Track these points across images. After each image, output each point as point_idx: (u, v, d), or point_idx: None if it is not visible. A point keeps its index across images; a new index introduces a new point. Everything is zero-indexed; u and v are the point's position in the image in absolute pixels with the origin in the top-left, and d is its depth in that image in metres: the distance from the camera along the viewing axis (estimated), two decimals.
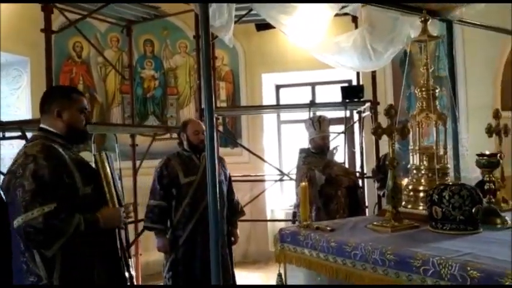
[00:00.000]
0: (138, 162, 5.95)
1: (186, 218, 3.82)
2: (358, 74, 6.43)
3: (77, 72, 6.66)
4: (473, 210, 2.20)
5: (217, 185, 2.45)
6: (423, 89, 2.77)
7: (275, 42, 7.03)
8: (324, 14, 3.67)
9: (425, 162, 2.72)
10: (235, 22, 3.43)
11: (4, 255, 2.32)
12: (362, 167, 6.31)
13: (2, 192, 2.41)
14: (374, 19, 3.71)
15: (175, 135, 5.60)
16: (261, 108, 7.13)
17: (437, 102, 2.79)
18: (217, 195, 2.43)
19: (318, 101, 7.30)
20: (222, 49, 7.07)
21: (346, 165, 5.97)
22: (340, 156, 5.36)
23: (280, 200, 7.60)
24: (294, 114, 7.51)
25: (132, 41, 6.38)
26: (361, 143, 6.41)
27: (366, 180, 6.11)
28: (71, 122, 2.44)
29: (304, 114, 6.08)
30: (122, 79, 6.81)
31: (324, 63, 4.08)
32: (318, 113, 5.42)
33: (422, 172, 2.72)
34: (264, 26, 6.32)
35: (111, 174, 2.50)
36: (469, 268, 1.66)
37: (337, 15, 3.83)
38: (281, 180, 6.86)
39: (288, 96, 8.03)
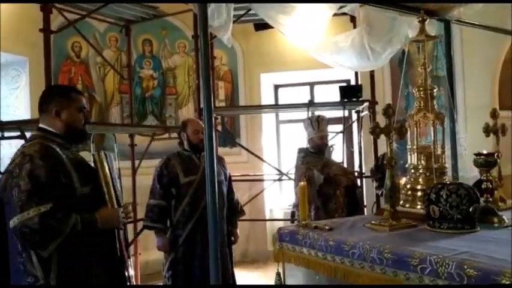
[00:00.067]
0: (137, 162, 5.95)
1: (185, 218, 3.83)
2: (356, 73, 6.44)
3: (75, 72, 6.67)
4: (470, 209, 2.21)
5: (216, 185, 2.46)
6: (421, 89, 2.78)
7: (274, 42, 7.04)
8: (322, 14, 3.67)
9: (423, 162, 2.73)
10: (234, 22, 3.43)
11: (1, 256, 2.30)
12: (360, 166, 6.33)
13: None
14: (372, 19, 3.72)
15: (174, 135, 5.61)
16: (259, 107, 7.14)
17: (435, 102, 2.81)
18: (216, 195, 2.43)
19: (316, 100, 7.32)
20: (220, 49, 7.08)
21: (345, 165, 5.98)
22: (338, 156, 5.38)
23: (279, 199, 7.61)
24: (292, 114, 7.53)
25: (130, 40, 6.38)
26: (359, 143, 6.43)
27: (364, 179, 6.13)
28: (70, 122, 2.42)
29: (303, 114, 6.09)
30: (120, 79, 6.81)
31: (322, 62, 4.08)
32: (317, 113, 5.43)
33: (420, 171, 2.73)
34: (262, 25, 6.33)
35: (110, 174, 2.48)
36: (465, 267, 1.67)
37: (335, 15, 3.83)
38: (280, 179, 6.86)
39: (286, 96, 8.04)
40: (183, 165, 3.91)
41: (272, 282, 2.60)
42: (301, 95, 7.76)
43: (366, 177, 6.09)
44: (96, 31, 6.72)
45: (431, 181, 2.60)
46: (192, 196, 3.82)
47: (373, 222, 2.47)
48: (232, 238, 4.17)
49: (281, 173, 6.62)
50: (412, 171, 2.78)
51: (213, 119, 2.50)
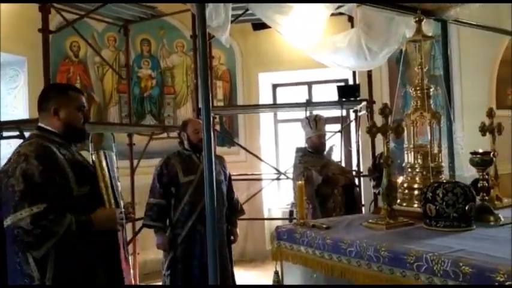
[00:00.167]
0: (135, 162, 5.96)
1: (185, 217, 3.85)
2: (354, 73, 6.46)
3: (74, 72, 6.66)
4: (466, 208, 2.23)
5: (215, 184, 2.47)
6: (418, 88, 2.80)
7: (272, 42, 7.05)
8: (319, 13, 3.68)
9: (419, 161, 2.76)
10: (232, 21, 3.45)
11: None
12: (358, 165, 6.34)
13: None
14: (369, 19, 3.73)
15: (172, 134, 5.62)
16: (257, 107, 7.14)
17: (432, 101, 2.83)
18: (215, 195, 2.44)
19: (314, 100, 7.34)
20: (218, 48, 7.08)
21: (343, 164, 6.00)
22: (336, 155, 5.39)
23: (277, 198, 7.63)
24: (290, 113, 7.53)
25: (129, 40, 6.40)
26: (357, 142, 6.44)
27: (362, 178, 6.14)
28: (68, 120, 2.39)
29: (301, 113, 6.10)
30: (119, 78, 6.81)
31: (320, 62, 4.10)
32: (315, 112, 5.45)
33: (417, 170, 2.75)
34: (260, 25, 6.34)
35: (109, 174, 2.46)
36: (461, 264, 1.69)
37: (333, 14, 3.85)
38: (278, 179, 6.88)
39: (284, 95, 8.06)
40: (183, 165, 3.93)
41: (270, 281, 2.62)
42: (299, 95, 7.77)
43: (363, 176, 6.10)
44: (95, 31, 6.71)
45: (427, 180, 2.63)
46: (191, 195, 3.84)
47: (370, 220, 2.49)
48: (232, 237, 4.19)
49: (279, 172, 6.64)
50: (409, 170, 2.80)
51: (211, 118, 2.50)
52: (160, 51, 7.34)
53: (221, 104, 7.50)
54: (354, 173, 5.97)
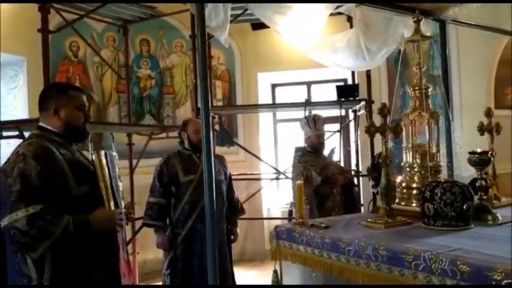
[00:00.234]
0: (134, 161, 5.97)
1: (185, 216, 3.86)
2: (353, 73, 6.47)
3: (73, 72, 6.67)
4: (464, 207, 2.24)
5: (214, 184, 2.47)
6: (416, 88, 2.81)
7: (271, 41, 7.05)
8: (318, 14, 3.69)
9: (418, 160, 2.77)
10: (231, 21, 3.46)
11: None
12: (357, 165, 6.35)
13: None
14: (368, 19, 3.74)
15: (171, 134, 5.63)
16: (257, 107, 7.15)
17: (430, 101, 2.84)
18: (214, 195, 2.44)
19: (313, 99, 7.34)
20: (218, 48, 7.08)
21: (342, 164, 6.01)
22: (335, 155, 5.40)
23: (276, 198, 7.64)
24: (289, 113, 7.54)
25: (128, 40, 6.41)
26: (356, 142, 6.45)
27: (361, 178, 6.15)
28: (69, 120, 2.37)
29: (300, 113, 6.11)
30: (118, 78, 6.81)
31: (319, 62, 4.11)
32: (314, 112, 5.46)
33: (415, 170, 2.76)
34: (259, 25, 6.33)
35: (109, 174, 2.46)
36: (459, 263, 1.70)
37: (332, 14, 3.86)
38: (277, 178, 6.89)
39: (283, 95, 8.07)
40: (183, 164, 3.94)
41: (269, 281, 2.62)
42: (298, 94, 7.77)
43: (362, 175, 6.11)
44: (94, 31, 6.72)
45: (426, 179, 2.64)
46: (191, 195, 3.85)
47: (368, 220, 2.50)
48: (232, 237, 4.21)
49: (278, 172, 6.65)
50: (408, 169, 2.81)
51: (211, 118, 2.51)
52: (160, 51, 7.35)
53: (220, 103, 7.51)
54: (352, 172, 5.98)
